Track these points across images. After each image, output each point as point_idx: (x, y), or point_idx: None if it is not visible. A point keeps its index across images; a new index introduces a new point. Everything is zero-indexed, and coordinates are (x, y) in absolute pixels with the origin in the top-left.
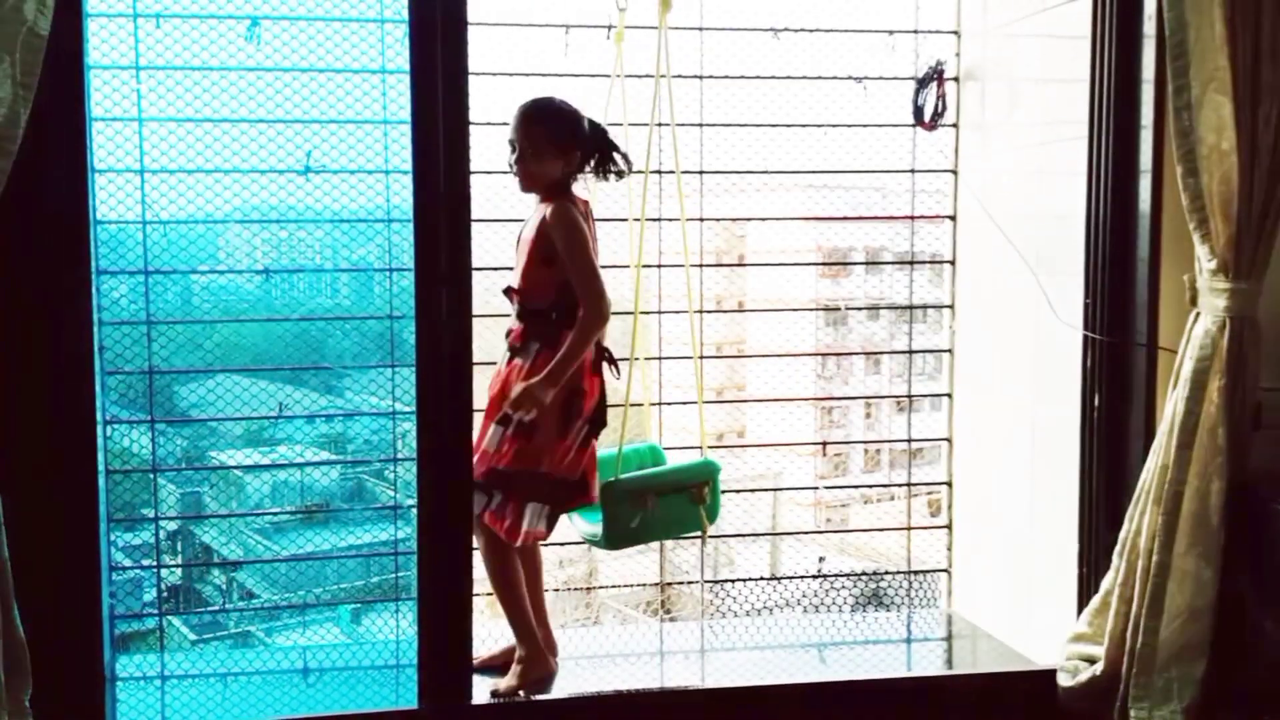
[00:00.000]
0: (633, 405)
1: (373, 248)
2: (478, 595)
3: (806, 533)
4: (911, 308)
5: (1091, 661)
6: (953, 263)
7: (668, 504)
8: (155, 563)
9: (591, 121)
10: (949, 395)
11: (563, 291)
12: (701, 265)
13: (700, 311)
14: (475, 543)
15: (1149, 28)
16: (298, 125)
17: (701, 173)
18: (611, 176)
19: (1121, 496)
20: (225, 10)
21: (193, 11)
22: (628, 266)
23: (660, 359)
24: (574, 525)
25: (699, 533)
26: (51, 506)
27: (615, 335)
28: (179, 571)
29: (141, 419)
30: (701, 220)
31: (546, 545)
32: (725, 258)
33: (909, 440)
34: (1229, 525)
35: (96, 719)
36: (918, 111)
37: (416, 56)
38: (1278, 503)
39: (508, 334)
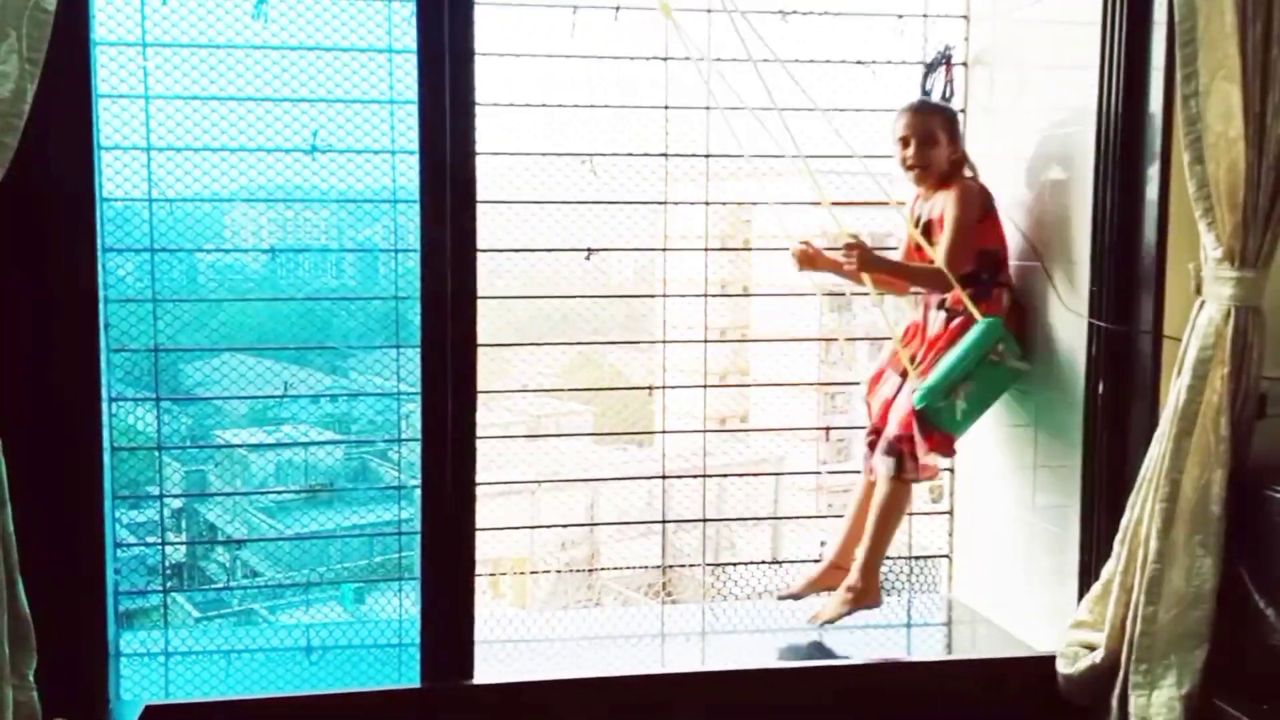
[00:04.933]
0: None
1: (378, 228)
2: (479, 575)
3: (809, 517)
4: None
5: (1091, 649)
6: None
7: (981, 380)
8: (160, 540)
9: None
10: None
11: (981, 256)
12: (706, 250)
13: (705, 295)
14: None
15: (1159, 14)
16: (304, 104)
17: (708, 156)
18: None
19: (1124, 484)
20: None
21: None
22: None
23: (665, 342)
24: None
25: (1023, 377)
26: (57, 483)
27: (620, 320)
28: (183, 549)
29: (147, 397)
30: (707, 204)
31: (549, 528)
32: (730, 242)
33: None
34: (1230, 513)
35: (100, 694)
36: (925, 96)
37: (423, 36)
38: (1278, 490)
39: (941, 304)
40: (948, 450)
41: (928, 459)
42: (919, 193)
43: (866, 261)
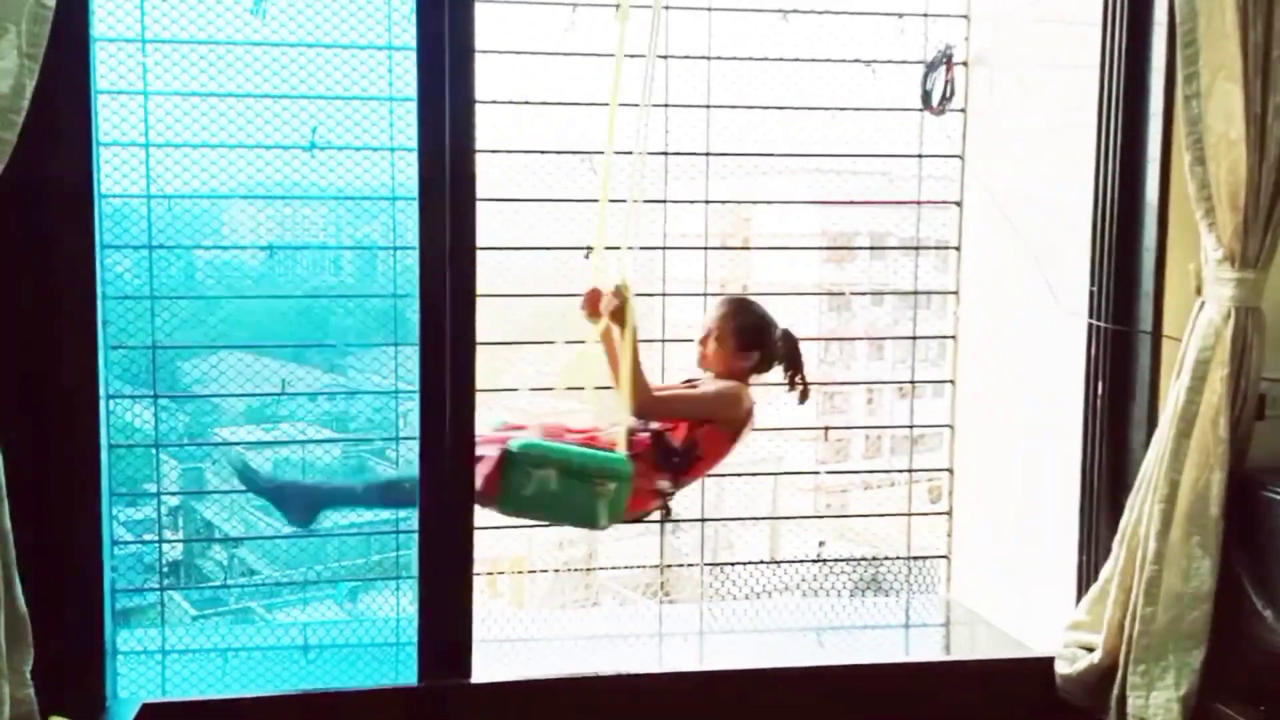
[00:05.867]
0: None
1: (377, 225)
2: (477, 574)
3: (807, 517)
4: (916, 293)
5: (1090, 649)
6: (958, 249)
7: (569, 486)
8: (157, 538)
9: (786, 333)
10: (951, 382)
11: (690, 443)
12: (706, 248)
13: (705, 295)
14: None
15: (1160, 15)
16: (303, 101)
17: (708, 155)
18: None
19: (1123, 485)
20: None
21: None
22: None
23: (664, 341)
24: None
25: (591, 526)
26: (55, 480)
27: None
28: (180, 547)
29: (144, 394)
30: (707, 203)
31: (545, 527)
32: (730, 241)
33: (911, 426)
34: (1228, 514)
35: (97, 691)
36: (926, 96)
37: (423, 33)
38: (1276, 491)
39: (630, 431)
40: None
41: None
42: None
43: (617, 314)
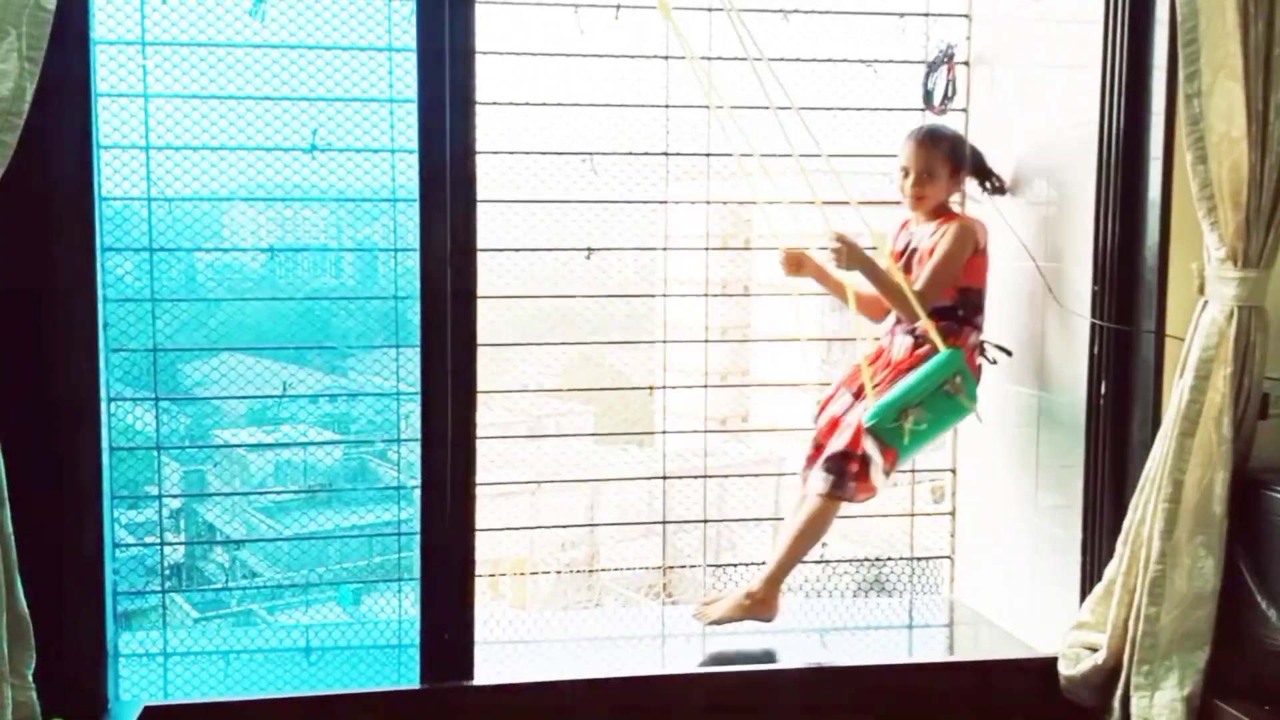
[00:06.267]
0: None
1: (378, 227)
2: (479, 576)
3: None
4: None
5: (1093, 650)
6: None
7: (934, 407)
8: (158, 540)
9: (972, 147)
10: None
11: (963, 292)
12: (707, 249)
13: (706, 295)
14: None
15: (1161, 13)
16: (303, 103)
17: (709, 155)
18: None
19: (1126, 484)
20: None
21: None
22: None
23: (665, 342)
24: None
25: (969, 414)
26: (56, 483)
27: (621, 320)
28: (182, 549)
29: (146, 396)
30: (708, 204)
31: (549, 528)
32: (731, 242)
33: None
34: (1232, 514)
35: (99, 694)
36: (927, 95)
37: (423, 34)
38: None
39: (911, 330)
40: (892, 470)
41: (876, 478)
42: (907, 220)
43: (854, 259)
